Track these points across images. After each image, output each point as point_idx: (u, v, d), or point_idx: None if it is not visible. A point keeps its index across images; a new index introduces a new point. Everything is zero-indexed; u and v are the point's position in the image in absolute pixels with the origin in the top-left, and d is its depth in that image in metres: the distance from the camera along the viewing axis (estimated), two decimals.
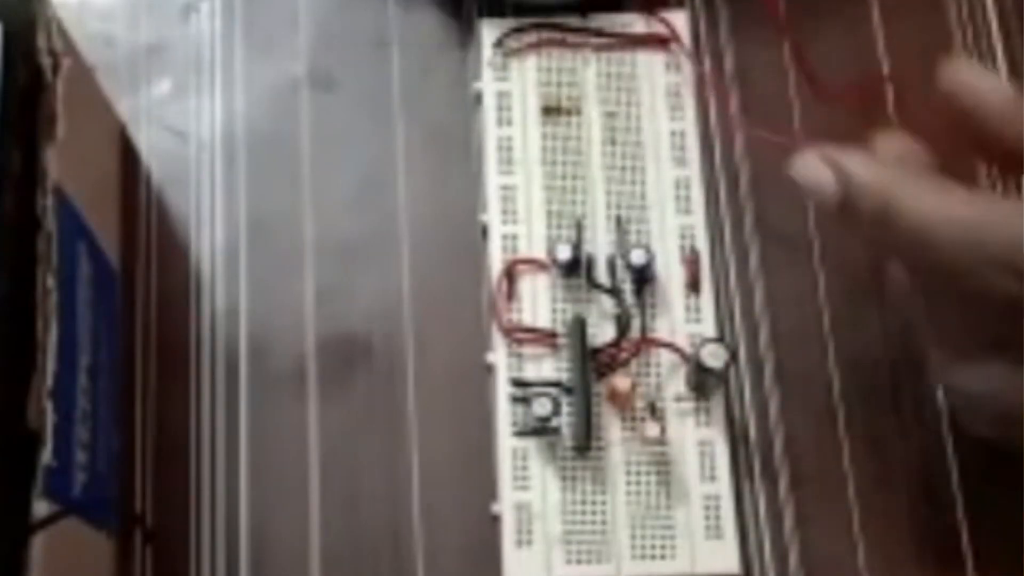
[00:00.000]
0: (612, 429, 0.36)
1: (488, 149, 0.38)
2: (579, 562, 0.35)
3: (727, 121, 0.39)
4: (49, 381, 0.29)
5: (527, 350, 0.36)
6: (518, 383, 0.36)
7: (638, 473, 0.35)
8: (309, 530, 0.35)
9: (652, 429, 0.35)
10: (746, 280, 0.38)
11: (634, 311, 0.36)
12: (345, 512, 0.36)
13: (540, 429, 0.35)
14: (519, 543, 0.35)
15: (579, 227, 0.37)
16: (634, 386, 0.35)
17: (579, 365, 0.35)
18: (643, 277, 0.36)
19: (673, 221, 0.37)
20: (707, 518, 0.35)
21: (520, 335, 0.36)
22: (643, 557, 0.35)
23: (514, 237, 0.37)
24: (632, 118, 0.38)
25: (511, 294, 0.37)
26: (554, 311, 0.37)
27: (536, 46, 0.39)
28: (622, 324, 0.36)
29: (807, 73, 0.38)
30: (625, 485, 0.35)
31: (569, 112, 0.38)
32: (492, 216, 0.37)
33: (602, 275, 0.37)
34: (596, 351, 0.36)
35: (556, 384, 0.35)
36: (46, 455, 0.29)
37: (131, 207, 0.38)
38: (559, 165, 0.38)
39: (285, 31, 0.40)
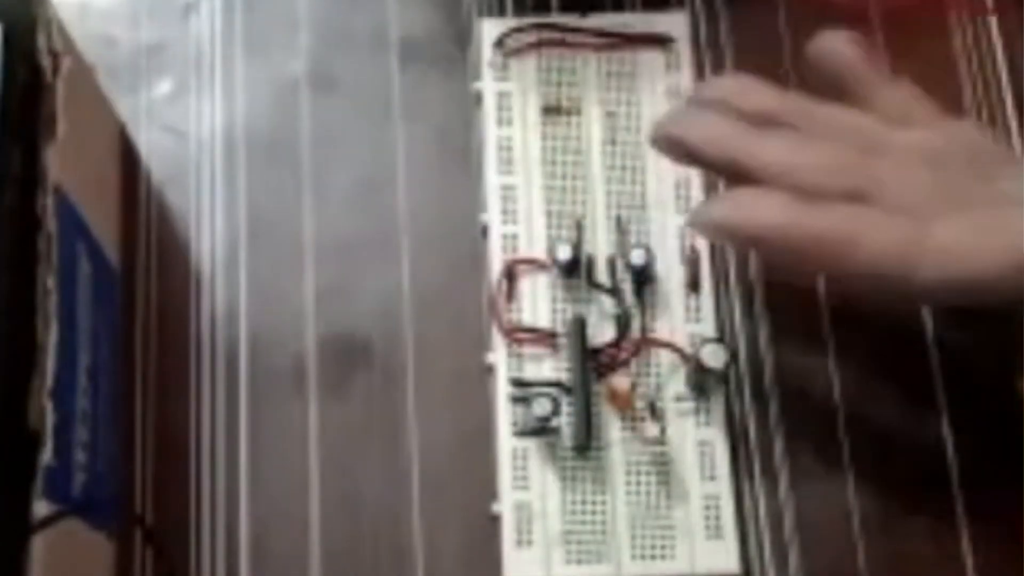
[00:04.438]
0: (612, 429, 0.36)
1: (488, 149, 0.38)
2: (579, 562, 0.35)
3: None
4: (49, 381, 0.29)
5: (527, 350, 0.36)
6: (518, 383, 0.36)
7: (638, 473, 0.35)
8: (309, 530, 0.35)
9: (652, 429, 0.35)
10: (746, 280, 0.38)
11: (634, 311, 0.36)
12: (345, 512, 0.36)
13: (540, 429, 0.35)
14: (519, 543, 0.35)
15: (579, 227, 0.37)
16: (634, 386, 0.35)
17: (579, 365, 0.35)
18: (643, 277, 0.36)
19: (673, 221, 0.37)
20: (707, 518, 0.35)
21: (520, 335, 0.36)
22: (643, 557, 0.35)
23: (514, 237, 0.37)
24: (632, 118, 0.38)
25: (511, 294, 0.37)
26: (554, 311, 0.37)
27: (536, 46, 0.39)
28: (622, 324, 0.36)
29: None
30: (625, 485, 0.35)
31: (569, 112, 0.38)
32: (492, 216, 0.37)
33: (602, 275, 0.37)
34: (596, 351, 0.36)
35: (556, 384, 0.35)
36: (46, 455, 0.29)
37: (131, 207, 0.38)
38: (559, 165, 0.38)
39: (285, 31, 0.40)
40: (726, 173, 0.34)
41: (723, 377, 0.35)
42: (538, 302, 0.37)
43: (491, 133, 0.38)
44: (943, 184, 0.31)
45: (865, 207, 0.31)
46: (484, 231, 0.38)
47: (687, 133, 0.33)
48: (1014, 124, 0.39)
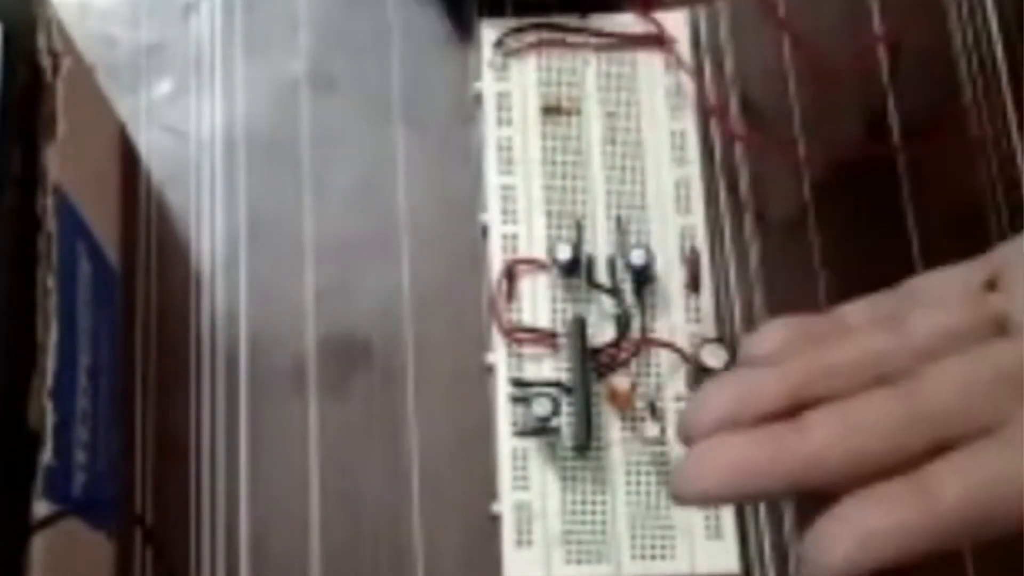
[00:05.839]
0: (612, 429, 0.36)
1: (488, 149, 0.38)
2: (579, 562, 0.35)
3: (725, 126, 0.39)
4: (49, 381, 0.29)
5: (527, 350, 0.36)
6: (518, 383, 0.36)
7: (638, 473, 0.35)
8: (309, 530, 0.35)
9: (652, 429, 0.35)
10: (746, 280, 0.38)
11: (634, 311, 0.36)
12: (345, 512, 0.36)
13: (540, 429, 0.35)
14: (519, 543, 0.35)
15: (579, 227, 0.37)
16: (634, 386, 0.35)
17: (579, 365, 0.35)
18: (643, 277, 0.36)
19: (673, 221, 0.37)
20: (707, 518, 0.35)
21: (520, 335, 0.36)
22: (643, 557, 0.35)
23: (514, 237, 0.37)
24: (632, 118, 0.38)
25: (511, 294, 0.37)
26: (554, 311, 0.37)
27: (536, 46, 0.39)
28: (622, 324, 0.36)
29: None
30: (625, 485, 0.35)
31: (569, 112, 0.38)
32: (492, 216, 0.37)
33: (602, 275, 0.37)
34: (596, 351, 0.36)
35: (556, 384, 0.35)
36: (46, 455, 0.29)
37: (131, 207, 0.38)
38: (559, 165, 0.38)
39: (285, 31, 0.40)
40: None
41: None
42: (538, 302, 0.37)
43: (491, 133, 0.38)
44: None
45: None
46: (484, 231, 0.38)
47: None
48: (1014, 125, 0.39)
